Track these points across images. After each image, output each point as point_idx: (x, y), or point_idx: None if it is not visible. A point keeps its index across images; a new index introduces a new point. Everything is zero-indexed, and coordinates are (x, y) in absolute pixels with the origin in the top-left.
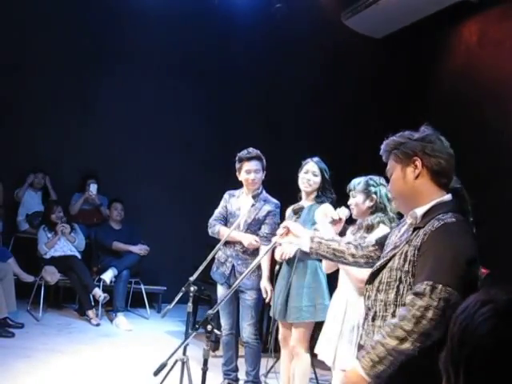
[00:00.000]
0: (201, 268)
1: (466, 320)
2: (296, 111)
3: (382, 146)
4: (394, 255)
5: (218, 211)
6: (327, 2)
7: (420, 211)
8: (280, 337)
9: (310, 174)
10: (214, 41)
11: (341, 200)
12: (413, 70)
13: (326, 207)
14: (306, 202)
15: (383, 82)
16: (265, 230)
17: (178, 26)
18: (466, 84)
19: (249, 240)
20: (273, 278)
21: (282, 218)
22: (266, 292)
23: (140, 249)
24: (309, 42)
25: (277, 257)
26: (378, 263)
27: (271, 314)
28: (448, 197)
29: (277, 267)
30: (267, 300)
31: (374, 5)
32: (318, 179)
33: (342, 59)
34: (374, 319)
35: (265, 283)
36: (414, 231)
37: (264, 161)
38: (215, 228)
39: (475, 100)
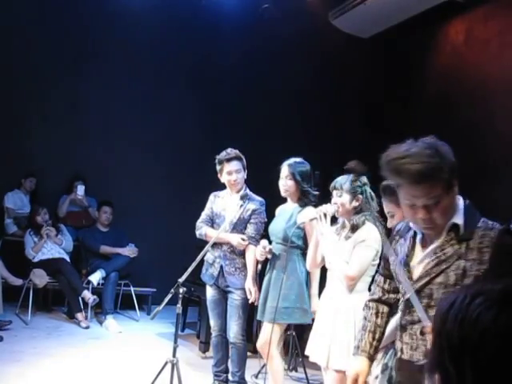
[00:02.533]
0: (190, 269)
1: (460, 314)
2: (283, 111)
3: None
4: (442, 271)
5: (204, 213)
6: (315, 1)
7: (459, 221)
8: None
9: (283, 179)
10: (200, 41)
11: (328, 199)
12: (399, 70)
13: (309, 211)
14: (292, 204)
15: (370, 82)
16: (251, 230)
17: (165, 27)
18: (453, 83)
19: (237, 240)
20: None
21: (268, 216)
22: (250, 293)
23: (129, 251)
24: (296, 42)
25: (257, 256)
26: (418, 285)
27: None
28: (460, 197)
29: (259, 266)
30: (251, 301)
31: (362, 5)
32: (292, 183)
33: (329, 59)
34: (423, 333)
35: (249, 284)
36: (460, 243)
37: (244, 160)
38: (202, 230)
39: (462, 99)
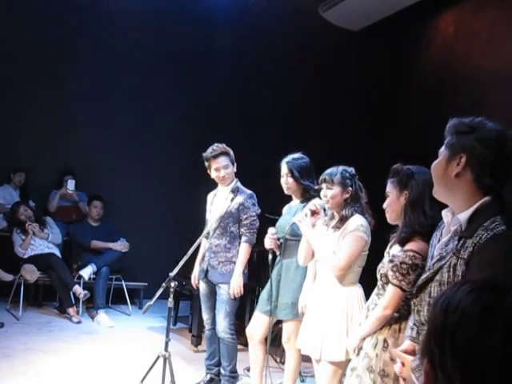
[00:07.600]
0: (181, 263)
1: (447, 300)
2: (273, 103)
3: None
4: (440, 267)
5: (206, 216)
6: None
7: (464, 216)
8: (250, 329)
9: (284, 177)
10: (189, 33)
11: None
12: (390, 62)
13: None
14: (296, 201)
15: (360, 75)
16: (245, 229)
17: (153, 23)
18: (443, 75)
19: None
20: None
21: (263, 210)
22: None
23: (120, 245)
24: (286, 35)
25: (266, 244)
26: (424, 276)
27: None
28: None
29: (270, 256)
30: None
31: None
32: (292, 180)
33: (319, 52)
34: None
35: (235, 281)
36: (459, 240)
37: (231, 154)
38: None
39: (452, 91)
